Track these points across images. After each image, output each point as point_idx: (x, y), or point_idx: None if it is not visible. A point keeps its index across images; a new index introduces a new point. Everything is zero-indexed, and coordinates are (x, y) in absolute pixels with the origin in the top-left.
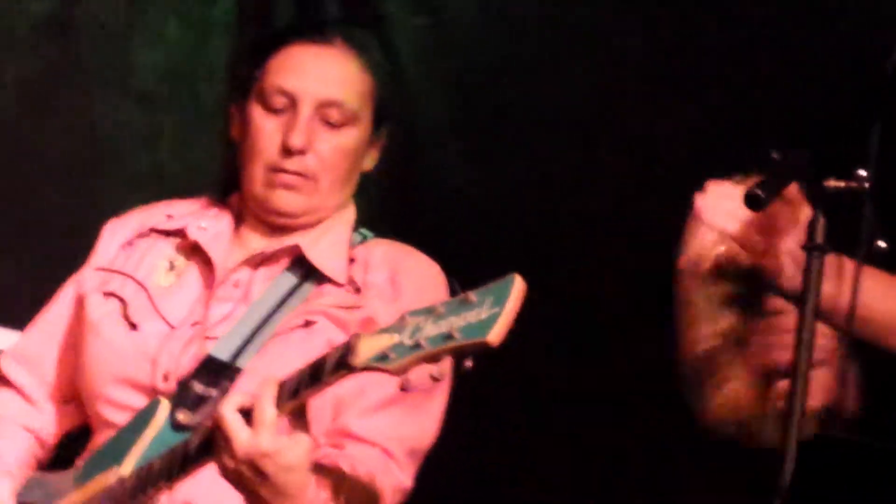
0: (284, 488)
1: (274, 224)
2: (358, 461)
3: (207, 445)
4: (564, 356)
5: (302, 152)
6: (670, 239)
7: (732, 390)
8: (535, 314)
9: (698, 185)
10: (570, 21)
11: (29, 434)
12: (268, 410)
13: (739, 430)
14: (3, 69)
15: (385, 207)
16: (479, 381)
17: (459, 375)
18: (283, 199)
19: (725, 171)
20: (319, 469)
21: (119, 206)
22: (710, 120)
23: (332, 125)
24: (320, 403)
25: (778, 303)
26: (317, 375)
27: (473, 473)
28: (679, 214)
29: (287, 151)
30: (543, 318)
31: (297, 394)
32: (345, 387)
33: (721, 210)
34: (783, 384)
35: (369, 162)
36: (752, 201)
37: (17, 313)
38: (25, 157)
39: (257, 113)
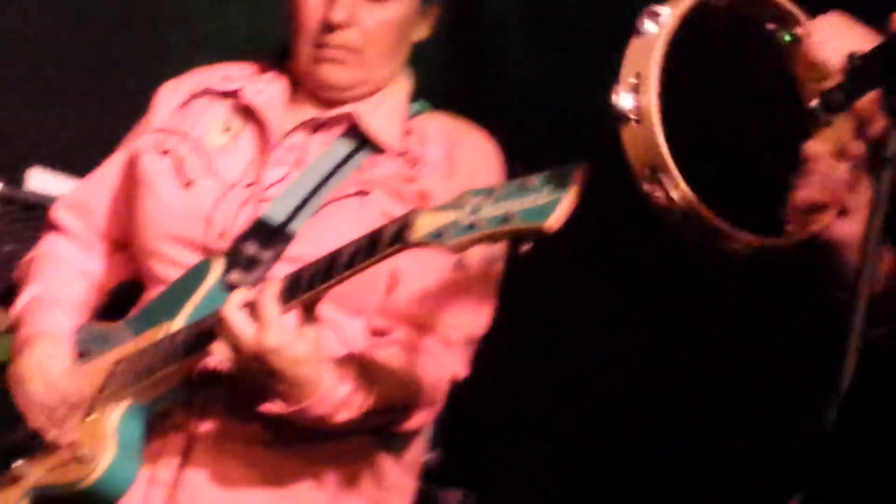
0: (295, 380)
1: (327, 97)
2: (407, 348)
3: (208, 336)
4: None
5: (344, 26)
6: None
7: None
8: (590, 210)
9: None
10: None
11: (83, 277)
12: (270, 307)
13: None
14: None
15: (447, 82)
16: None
17: (515, 259)
18: (330, 73)
19: None
20: (352, 361)
21: (185, 65)
22: None
23: None
24: (374, 276)
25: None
26: (373, 246)
27: (521, 362)
28: None
29: (329, 27)
30: (599, 215)
31: (311, 285)
32: (402, 263)
33: (835, 43)
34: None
35: (421, 32)
36: (828, 103)
37: (81, 162)
38: (95, 10)
39: None
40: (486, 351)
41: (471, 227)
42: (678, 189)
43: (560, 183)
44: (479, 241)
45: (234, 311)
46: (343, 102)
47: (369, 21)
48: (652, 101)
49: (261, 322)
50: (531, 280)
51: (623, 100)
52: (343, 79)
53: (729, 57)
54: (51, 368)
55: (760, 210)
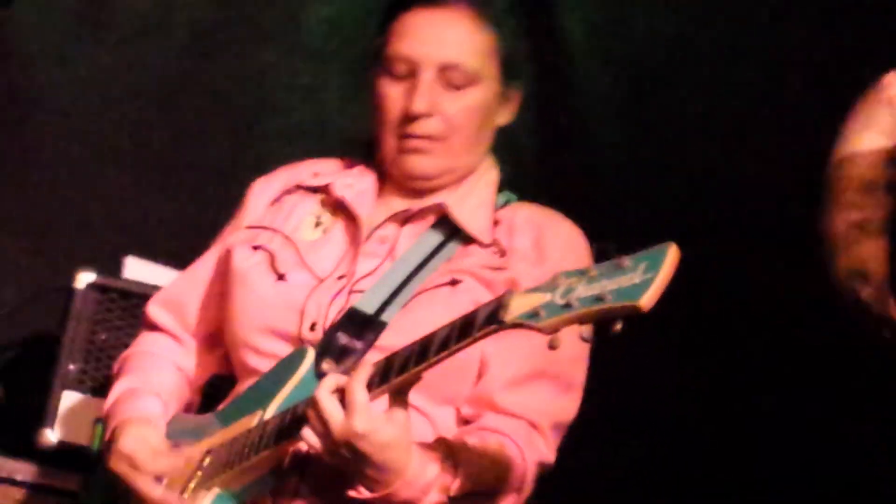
0: (383, 465)
1: (414, 188)
2: (495, 433)
3: (300, 422)
4: (708, 335)
5: (426, 116)
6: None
7: (858, 252)
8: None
9: None
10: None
11: (176, 370)
12: (359, 393)
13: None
14: (175, 12)
15: (537, 173)
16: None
17: (607, 339)
18: (416, 163)
19: None
20: (439, 445)
21: (280, 156)
22: None
23: (455, 87)
24: (464, 365)
25: None
26: (468, 328)
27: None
28: None
29: (411, 117)
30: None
31: (404, 369)
32: (490, 350)
33: None
34: None
35: (504, 117)
36: None
37: (177, 251)
38: (192, 101)
39: (382, 80)
40: (577, 434)
41: (565, 307)
42: None
43: (653, 263)
44: (574, 320)
45: (325, 395)
46: (431, 191)
47: (451, 109)
48: None
49: (350, 407)
50: (621, 363)
51: None
52: (429, 168)
53: None
54: (147, 448)
55: None
